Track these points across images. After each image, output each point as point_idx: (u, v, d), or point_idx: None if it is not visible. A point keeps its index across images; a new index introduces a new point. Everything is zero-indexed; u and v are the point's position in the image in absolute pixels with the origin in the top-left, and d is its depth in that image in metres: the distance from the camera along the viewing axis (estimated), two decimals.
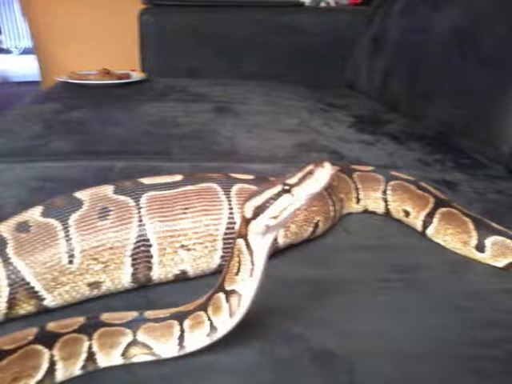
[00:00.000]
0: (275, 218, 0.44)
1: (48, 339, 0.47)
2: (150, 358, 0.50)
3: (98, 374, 0.49)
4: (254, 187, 0.65)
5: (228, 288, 0.48)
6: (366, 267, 0.69)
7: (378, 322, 0.57)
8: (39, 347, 0.46)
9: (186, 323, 0.49)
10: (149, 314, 0.51)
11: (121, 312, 0.52)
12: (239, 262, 0.47)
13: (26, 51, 4.34)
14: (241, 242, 0.47)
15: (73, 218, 0.58)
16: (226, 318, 0.48)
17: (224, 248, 0.63)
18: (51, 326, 0.49)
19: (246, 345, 0.51)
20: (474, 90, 1.19)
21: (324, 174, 0.42)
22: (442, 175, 1.00)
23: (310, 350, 0.51)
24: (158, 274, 0.61)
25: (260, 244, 0.46)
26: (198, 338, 0.49)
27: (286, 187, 0.43)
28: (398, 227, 0.81)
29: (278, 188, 0.43)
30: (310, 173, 0.42)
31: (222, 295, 0.48)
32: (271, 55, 1.87)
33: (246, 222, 0.46)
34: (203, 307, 0.49)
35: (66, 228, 0.57)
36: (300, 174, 0.43)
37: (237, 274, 0.47)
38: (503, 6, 1.17)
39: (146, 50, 1.97)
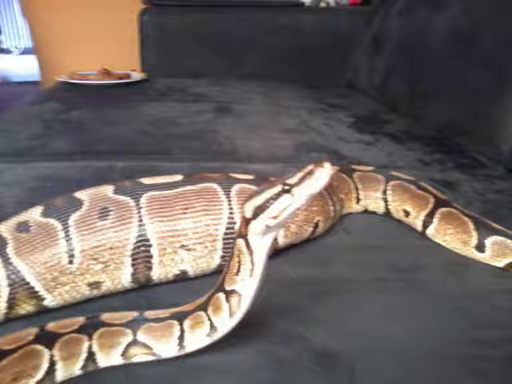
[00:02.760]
0: (275, 218, 0.44)
1: (48, 339, 0.47)
2: (150, 358, 0.50)
3: (97, 374, 0.49)
4: (253, 187, 0.65)
5: (228, 288, 0.48)
6: (366, 267, 0.69)
7: (378, 321, 0.57)
8: (39, 347, 0.47)
9: (186, 323, 0.49)
10: (149, 313, 0.51)
11: (121, 312, 0.52)
12: (239, 262, 0.47)
13: (25, 51, 4.35)
14: (241, 242, 0.47)
15: (73, 218, 0.58)
16: (226, 318, 0.48)
17: (224, 248, 0.63)
18: (51, 326, 0.49)
19: (245, 345, 0.51)
20: (473, 89, 1.19)
21: (324, 173, 0.42)
22: (442, 175, 1.00)
23: (309, 350, 0.51)
24: (158, 273, 0.61)
25: (260, 244, 0.46)
26: (198, 338, 0.49)
27: (286, 187, 0.43)
28: (398, 227, 0.82)
29: (278, 188, 0.43)
30: (310, 173, 0.42)
31: (222, 295, 0.48)
32: (271, 55, 1.87)
33: (246, 221, 0.46)
34: (203, 307, 0.49)
35: (66, 228, 0.57)
36: (300, 174, 0.43)
37: (237, 274, 0.47)
38: (503, 6, 1.17)
39: (146, 50, 1.97)
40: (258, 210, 0.44)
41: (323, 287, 0.63)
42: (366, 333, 0.55)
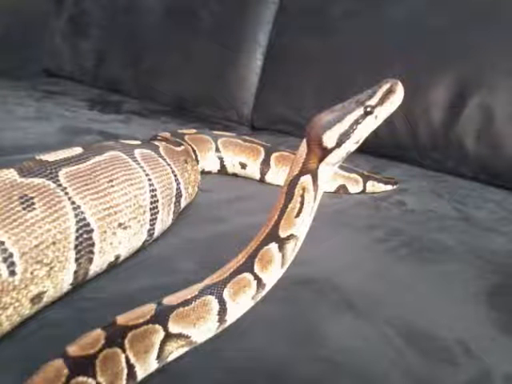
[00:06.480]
0: (357, 143, 0.43)
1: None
2: (185, 349, 0.43)
3: None
4: None
5: (284, 235, 0.44)
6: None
7: None
8: None
9: (226, 292, 0.44)
10: (169, 300, 0.43)
11: (133, 310, 0.42)
12: (302, 202, 0.44)
13: None
14: (307, 178, 0.43)
15: None
16: (276, 270, 0.45)
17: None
18: (72, 349, 0.38)
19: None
20: (202, 61, 1.27)
21: (402, 88, 0.43)
22: None
23: None
24: (96, 265, 0.52)
25: (328, 176, 0.44)
26: (241, 304, 0.45)
27: (369, 109, 0.42)
28: (239, 180, 0.86)
29: (361, 111, 0.42)
30: (392, 91, 0.42)
31: (273, 246, 0.44)
32: None
33: (324, 152, 0.43)
34: (247, 268, 0.45)
35: None
36: (379, 94, 0.42)
37: (297, 215, 0.44)
38: None
39: None
40: (344, 137, 0.42)
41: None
42: None
